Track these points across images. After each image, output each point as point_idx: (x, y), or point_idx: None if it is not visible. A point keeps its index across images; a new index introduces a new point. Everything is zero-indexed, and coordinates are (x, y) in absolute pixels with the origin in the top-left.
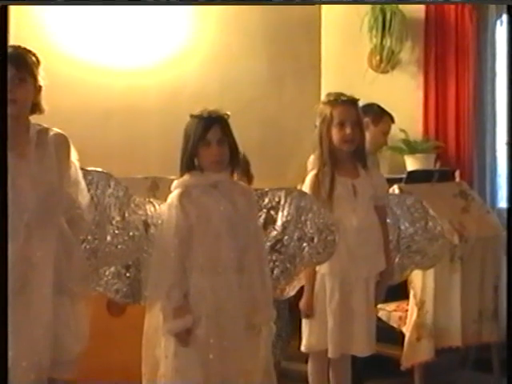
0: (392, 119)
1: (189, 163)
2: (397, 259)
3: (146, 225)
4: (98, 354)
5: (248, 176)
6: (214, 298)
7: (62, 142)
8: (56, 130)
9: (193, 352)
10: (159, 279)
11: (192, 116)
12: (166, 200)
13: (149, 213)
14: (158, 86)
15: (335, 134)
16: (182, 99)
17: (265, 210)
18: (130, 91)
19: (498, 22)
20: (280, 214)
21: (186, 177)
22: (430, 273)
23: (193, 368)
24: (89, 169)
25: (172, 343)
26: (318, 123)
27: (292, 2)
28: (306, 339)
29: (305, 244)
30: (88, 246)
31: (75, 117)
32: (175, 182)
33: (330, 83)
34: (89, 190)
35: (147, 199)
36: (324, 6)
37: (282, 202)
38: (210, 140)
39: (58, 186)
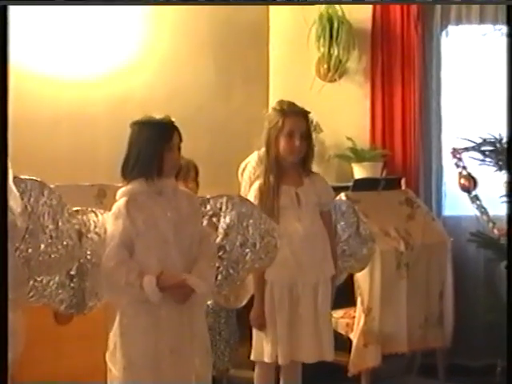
0: None
1: (151, 168)
2: None
3: (80, 234)
4: (45, 360)
5: (196, 182)
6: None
7: None
8: None
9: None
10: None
11: (145, 123)
12: (111, 208)
13: (88, 222)
14: (106, 93)
15: (283, 143)
16: (130, 107)
17: (207, 217)
18: (77, 99)
19: (444, 33)
20: (222, 220)
21: (132, 185)
22: (377, 280)
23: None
24: (22, 177)
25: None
26: (265, 130)
27: (292, 2)
28: (257, 348)
29: (247, 250)
30: (21, 255)
31: (22, 125)
32: (120, 191)
33: (277, 91)
34: (22, 199)
35: (89, 208)
36: (271, 14)
37: (224, 209)
38: (172, 145)
39: None
